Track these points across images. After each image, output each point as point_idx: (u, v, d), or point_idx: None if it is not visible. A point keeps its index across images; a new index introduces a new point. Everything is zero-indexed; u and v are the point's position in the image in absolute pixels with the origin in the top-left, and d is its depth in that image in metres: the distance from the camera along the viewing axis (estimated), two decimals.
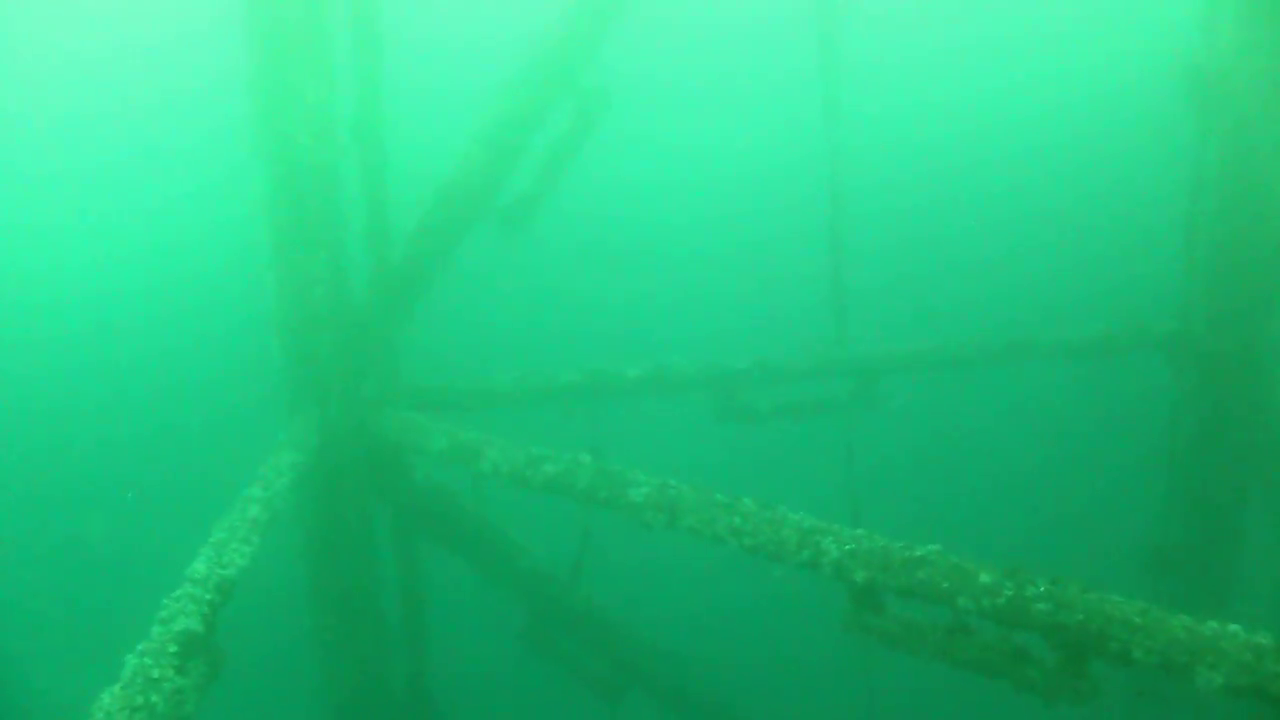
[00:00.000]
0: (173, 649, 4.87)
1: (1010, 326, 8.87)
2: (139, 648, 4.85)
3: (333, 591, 7.55)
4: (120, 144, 15.53)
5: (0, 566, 12.18)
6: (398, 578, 7.93)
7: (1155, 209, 9.15)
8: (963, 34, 15.54)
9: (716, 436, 8.79)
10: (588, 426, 7.93)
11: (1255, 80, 7.63)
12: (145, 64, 15.32)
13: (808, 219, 8.78)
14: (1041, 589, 4.87)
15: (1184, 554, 8.59)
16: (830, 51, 7.98)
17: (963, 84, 15.45)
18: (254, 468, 6.51)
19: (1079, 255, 14.28)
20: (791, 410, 8.57)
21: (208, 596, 5.21)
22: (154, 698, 4.62)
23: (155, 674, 4.73)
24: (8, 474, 12.96)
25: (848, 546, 5.32)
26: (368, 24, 6.87)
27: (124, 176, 15.49)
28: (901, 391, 8.83)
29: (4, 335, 13.90)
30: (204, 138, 13.44)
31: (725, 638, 11.57)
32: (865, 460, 8.66)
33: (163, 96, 15.22)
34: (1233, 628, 4.52)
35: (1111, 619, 4.69)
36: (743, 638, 11.89)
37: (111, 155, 15.49)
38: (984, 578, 4.97)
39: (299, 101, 6.68)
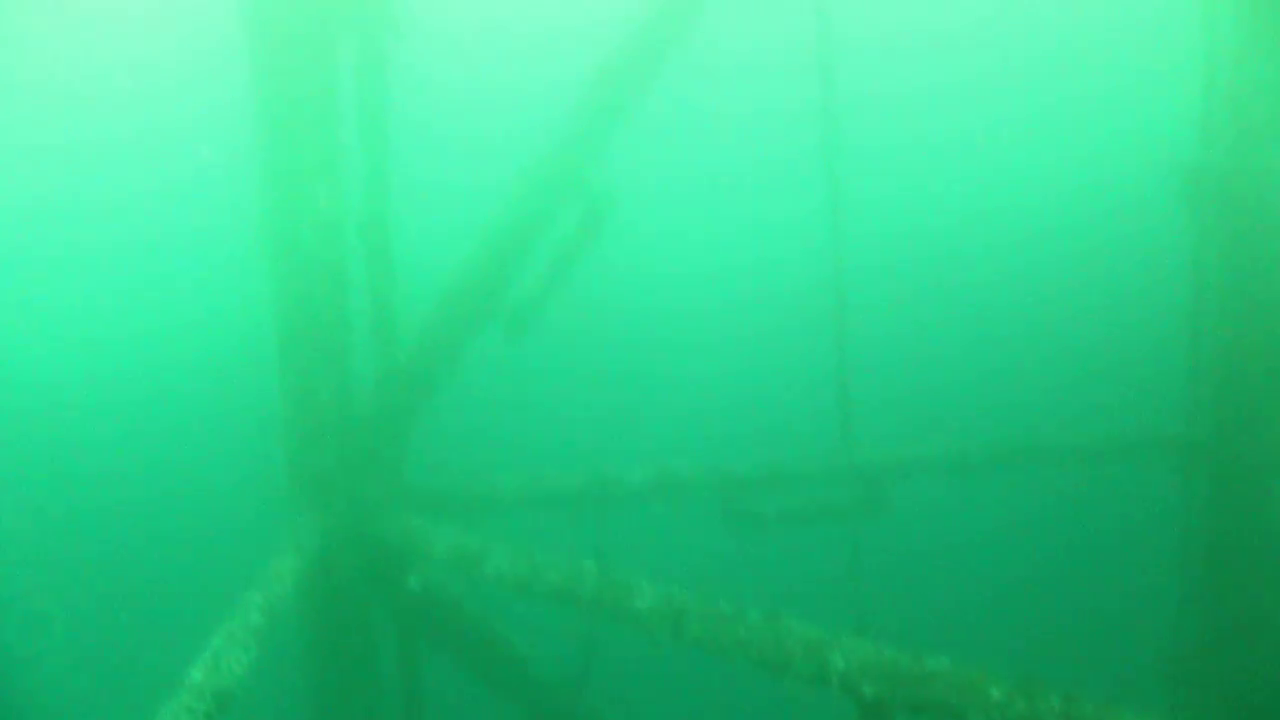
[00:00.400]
0: None
1: (1017, 430, 8.83)
2: None
3: (333, 699, 7.42)
4: (123, 242, 15.63)
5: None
6: (400, 684, 7.79)
7: (1159, 311, 9.16)
8: (965, 140, 15.73)
9: (721, 541, 8.70)
10: (592, 531, 7.86)
11: (1254, 180, 7.68)
12: (150, 162, 15.48)
13: (813, 323, 8.78)
14: (1055, 704, 4.76)
15: (1198, 663, 8.44)
16: (834, 159, 8.03)
17: (965, 189, 15.60)
18: (255, 571, 6.43)
19: (1085, 358, 14.28)
20: (797, 516, 8.48)
21: (204, 706, 5.10)
22: None
23: None
24: (8, 572, 12.85)
25: (855, 659, 5.22)
26: (376, 124, 6.92)
27: (126, 276, 15.56)
28: (908, 496, 8.76)
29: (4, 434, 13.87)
30: (209, 237, 13.54)
31: None
32: (872, 566, 8.56)
33: (168, 194, 15.35)
34: None
35: None
36: None
37: (115, 253, 15.58)
38: (995, 693, 4.87)
39: (307, 202, 6.72)
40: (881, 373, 10.26)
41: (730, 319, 15.47)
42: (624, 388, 14.78)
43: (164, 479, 13.70)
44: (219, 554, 8.05)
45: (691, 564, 8.50)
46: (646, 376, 15.02)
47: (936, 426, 10.06)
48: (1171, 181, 8.02)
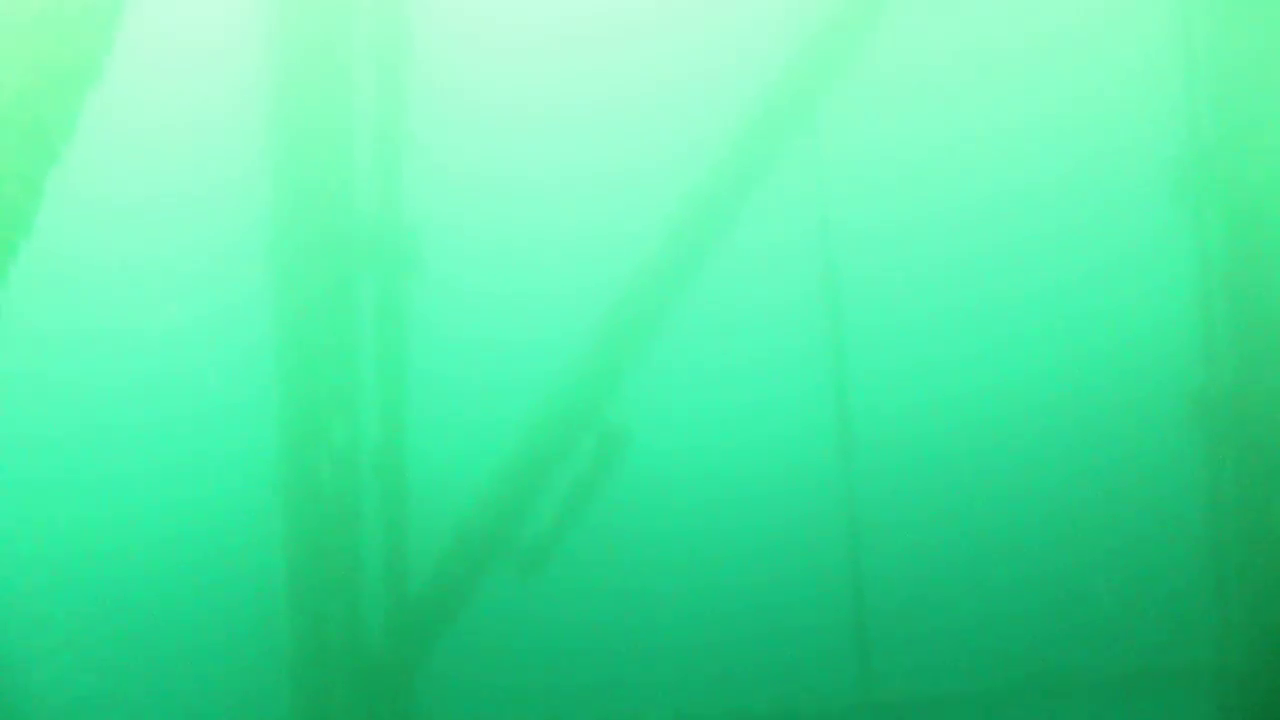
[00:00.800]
0: None
1: (1040, 662, 8.65)
2: None
3: None
4: (127, 470, 15.53)
5: None
6: None
7: (1180, 537, 9.08)
8: (967, 370, 15.89)
9: None
10: None
11: (1261, 401, 7.73)
12: (157, 397, 15.54)
13: (825, 556, 8.72)
14: None
15: None
16: (843, 392, 8.10)
17: (974, 418, 15.67)
18: None
19: (1107, 585, 14.06)
20: None
21: None
22: None
23: None
24: None
25: None
26: (393, 359, 6.99)
27: (130, 505, 15.42)
28: None
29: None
30: (219, 468, 13.49)
31: None
32: None
33: (175, 423, 15.33)
34: None
35: None
36: None
37: (123, 485, 15.47)
38: None
39: (323, 437, 6.75)
40: (898, 604, 10.09)
41: (742, 554, 15.31)
42: (637, 626, 14.51)
43: (163, 714, 13.28)
44: None
45: None
46: (659, 614, 14.76)
47: (956, 657, 9.84)
48: (1179, 406, 8.07)
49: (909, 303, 15.26)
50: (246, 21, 6.94)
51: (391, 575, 7.22)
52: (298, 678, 6.91)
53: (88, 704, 13.41)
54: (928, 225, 15.21)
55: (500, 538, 7.41)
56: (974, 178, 15.07)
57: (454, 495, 7.53)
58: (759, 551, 15.17)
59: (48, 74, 4.15)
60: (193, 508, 14.72)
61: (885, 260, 14.62)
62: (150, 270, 15.29)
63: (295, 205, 6.63)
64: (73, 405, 15.45)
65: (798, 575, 14.18)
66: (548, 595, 8.24)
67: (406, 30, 6.76)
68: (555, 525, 7.49)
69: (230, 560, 11.83)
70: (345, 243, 6.68)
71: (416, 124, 6.72)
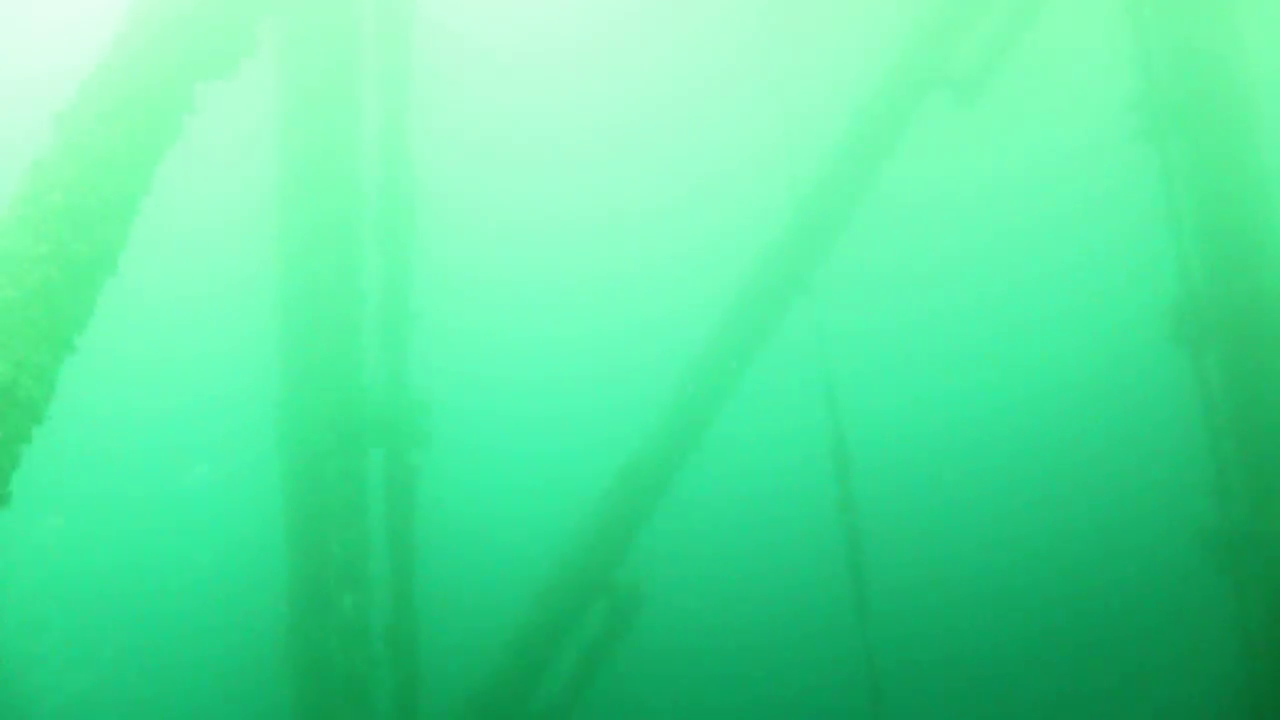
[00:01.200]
0: None
1: None
2: None
3: None
4: (140, 653, 15.37)
5: None
6: None
7: (1212, 674, 8.93)
8: (986, 528, 15.83)
9: None
10: None
11: (1275, 541, 7.65)
12: (173, 576, 15.45)
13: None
14: None
15: None
16: (862, 578, 7.97)
17: (994, 577, 15.58)
18: None
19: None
20: None
21: None
22: None
23: None
24: None
25: None
26: (403, 531, 6.93)
27: (142, 687, 15.22)
28: None
29: None
30: (230, 640, 13.30)
31: None
32: None
33: (190, 600, 15.21)
34: None
35: None
36: None
37: (131, 667, 15.30)
38: None
39: (332, 609, 6.67)
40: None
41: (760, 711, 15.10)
42: None
43: None
44: None
45: None
46: None
47: None
48: (1199, 547, 7.98)
49: (923, 472, 15.36)
50: (255, 204, 7.08)
51: None
52: None
53: None
54: (940, 402, 15.39)
55: (513, 705, 7.27)
56: (982, 341, 15.33)
57: (464, 666, 7.42)
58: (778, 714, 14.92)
59: (65, 268, 4.24)
60: (202, 680, 14.53)
61: (897, 430, 14.74)
62: (163, 443, 15.35)
63: (305, 382, 6.68)
64: (81, 595, 15.35)
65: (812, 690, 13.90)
66: None
67: (410, 210, 6.87)
68: (567, 693, 7.37)
69: None
70: (355, 418, 6.70)
71: (423, 302, 6.79)
